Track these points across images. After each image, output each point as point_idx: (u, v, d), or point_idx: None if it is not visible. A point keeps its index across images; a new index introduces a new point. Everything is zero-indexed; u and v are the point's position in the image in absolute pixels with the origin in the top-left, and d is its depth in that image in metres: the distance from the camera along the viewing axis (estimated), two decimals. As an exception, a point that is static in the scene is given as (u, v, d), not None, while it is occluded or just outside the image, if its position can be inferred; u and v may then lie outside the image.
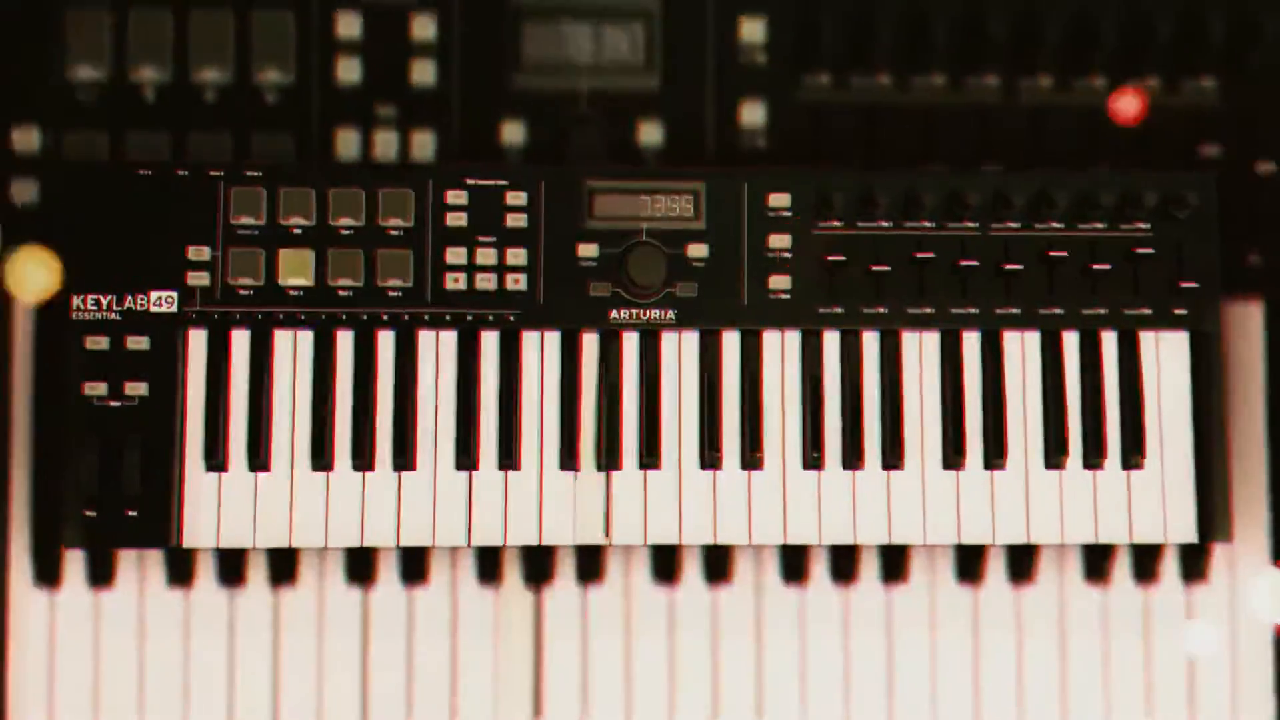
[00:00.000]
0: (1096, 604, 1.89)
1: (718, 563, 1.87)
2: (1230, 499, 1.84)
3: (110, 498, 1.78)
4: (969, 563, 1.88)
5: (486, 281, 1.83)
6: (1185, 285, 1.86)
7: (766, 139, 1.93)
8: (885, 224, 1.86)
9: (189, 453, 1.81)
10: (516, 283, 1.83)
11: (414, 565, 1.86)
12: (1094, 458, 1.84)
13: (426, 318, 1.83)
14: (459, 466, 1.82)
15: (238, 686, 1.85)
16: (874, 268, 1.85)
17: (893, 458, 1.83)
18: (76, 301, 1.80)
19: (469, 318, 1.83)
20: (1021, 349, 1.86)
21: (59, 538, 1.80)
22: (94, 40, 1.89)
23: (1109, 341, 1.86)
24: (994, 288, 1.86)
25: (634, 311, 1.84)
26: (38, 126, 1.89)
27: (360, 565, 1.86)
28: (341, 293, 1.82)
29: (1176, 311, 1.86)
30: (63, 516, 1.78)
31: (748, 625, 1.88)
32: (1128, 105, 1.91)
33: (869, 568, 1.89)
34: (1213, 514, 1.84)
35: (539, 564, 1.86)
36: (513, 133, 1.92)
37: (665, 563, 1.88)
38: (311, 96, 1.91)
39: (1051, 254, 1.86)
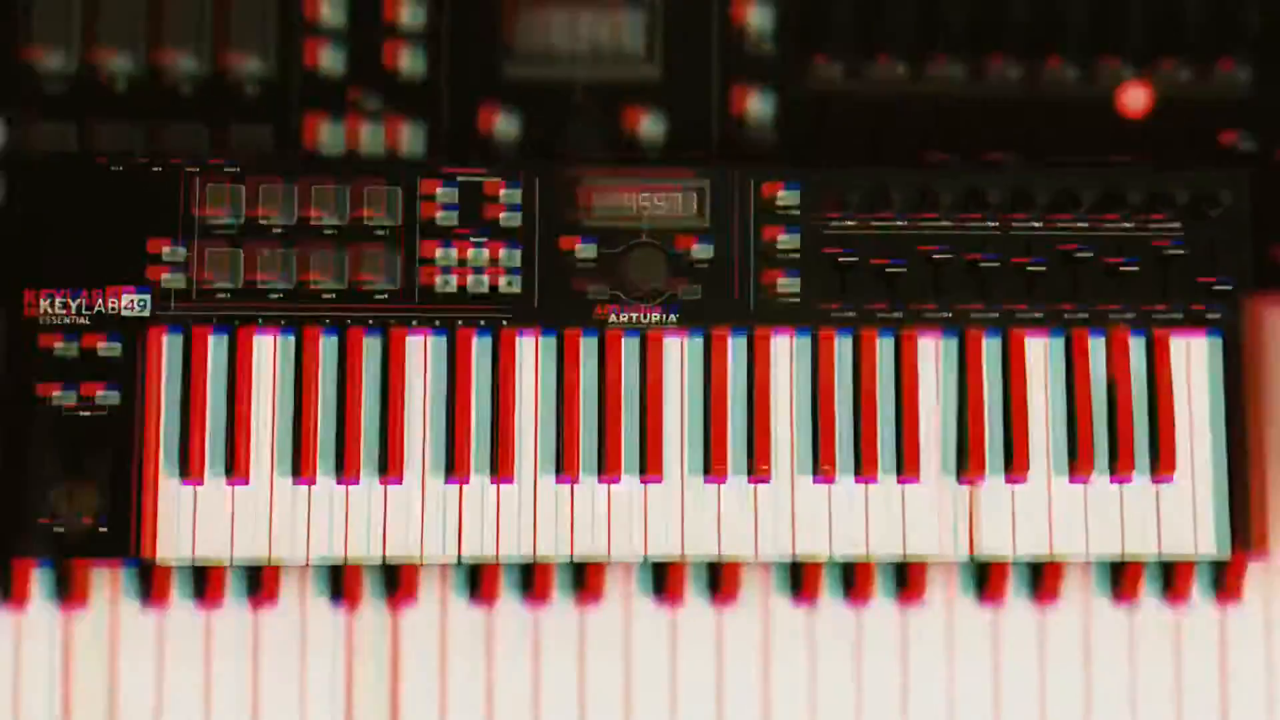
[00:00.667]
0: (1122, 624, 1.86)
1: (720, 579, 1.84)
2: (1267, 513, 1.84)
3: (78, 511, 1.76)
4: (987, 581, 1.85)
5: (476, 282, 1.82)
6: (1216, 286, 1.85)
7: (773, 131, 1.91)
8: (898, 221, 1.85)
9: (162, 464, 1.79)
10: (508, 284, 1.82)
11: (398, 581, 1.83)
12: (1118, 468, 1.82)
13: (412, 320, 1.81)
14: (447, 479, 1.80)
15: (214, 708, 1.82)
16: (886, 267, 1.84)
17: (904, 467, 1.81)
18: (43, 304, 1.79)
19: (457, 320, 1.82)
20: (1046, 354, 1.85)
21: (23, 552, 1.77)
22: (61, 25, 1.88)
23: (1135, 345, 1.85)
24: (1013, 288, 1.84)
25: (632, 314, 1.83)
26: (1, 117, 1.87)
27: (341, 581, 1.83)
28: (323, 294, 1.81)
29: (1207, 314, 1.85)
30: (27, 531, 1.76)
31: (753, 644, 1.85)
32: (1135, 98, 1.91)
33: (881, 584, 1.86)
34: (1246, 527, 1.82)
35: (531, 581, 1.83)
36: (505, 125, 1.90)
37: (665, 579, 1.85)
38: (291, 86, 1.90)
39: (1074, 253, 1.84)
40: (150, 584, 1.81)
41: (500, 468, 1.79)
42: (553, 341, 1.82)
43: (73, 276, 1.78)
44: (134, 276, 1.79)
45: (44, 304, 1.78)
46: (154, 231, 1.79)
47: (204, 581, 1.81)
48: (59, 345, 1.77)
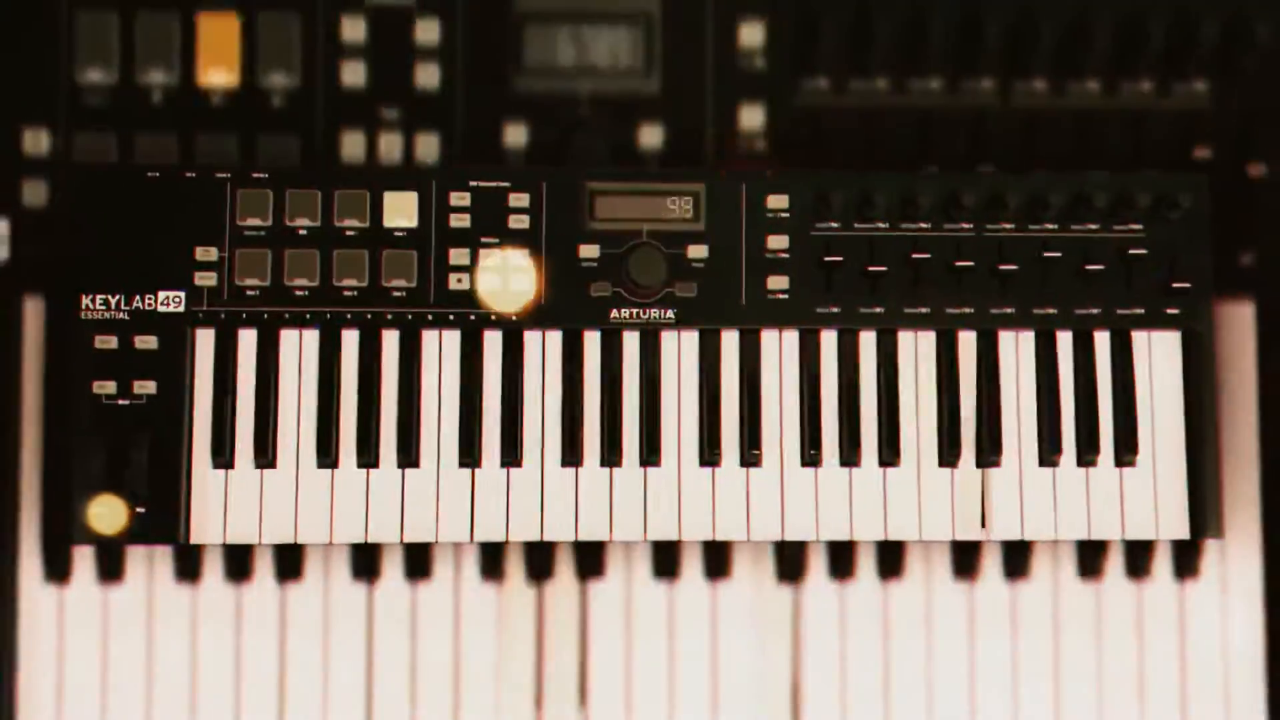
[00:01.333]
0: (1090, 599, 1.90)
1: (717, 559, 1.89)
2: (1221, 496, 1.85)
3: (119, 495, 1.78)
4: (965, 559, 1.90)
5: (490, 282, 1.84)
6: (1178, 285, 1.86)
7: (765, 142, 1.93)
8: (882, 225, 1.86)
9: (196, 450, 1.81)
10: (519, 283, 1.84)
11: (418, 561, 1.88)
12: (1088, 455, 1.84)
13: (430, 317, 1.83)
14: (462, 464, 1.82)
15: (244, 680, 1.86)
16: (871, 268, 1.85)
17: (889, 455, 1.83)
18: (86, 301, 1.81)
19: (472, 317, 1.84)
20: (1016, 348, 1.87)
21: (68, 534, 1.79)
22: (103, 43, 1.90)
23: (1102, 341, 1.87)
24: (989, 288, 1.86)
25: (635, 311, 1.85)
26: (47, 129, 1.89)
27: (365, 561, 1.88)
28: (346, 293, 1.83)
29: (1169, 311, 1.86)
30: (72, 514, 1.78)
31: (747, 619, 1.89)
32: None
33: (866, 564, 1.90)
34: (1205, 511, 1.84)
35: (541, 560, 1.88)
36: (515, 135, 1.93)
37: (666, 559, 1.89)
38: (317, 99, 1.92)
39: (1046, 254, 1.86)
40: (187, 563, 1.85)
41: (512, 455, 1.82)
42: (559, 337, 1.84)
43: (117, 278, 1.80)
44: (175, 278, 1.81)
45: (86, 301, 1.80)
46: (196, 236, 1.81)
47: (236, 560, 1.86)
48: (102, 341, 1.80)
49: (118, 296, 1.81)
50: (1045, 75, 1.94)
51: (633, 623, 1.89)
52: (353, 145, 1.92)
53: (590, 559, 1.88)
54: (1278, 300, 1.93)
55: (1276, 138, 1.95)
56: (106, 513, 1.78)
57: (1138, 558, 1.90)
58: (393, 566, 1.88)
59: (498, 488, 1.82)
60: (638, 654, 1.88)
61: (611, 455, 1.82)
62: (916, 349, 1.86)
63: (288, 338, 1.84)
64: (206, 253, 1.82)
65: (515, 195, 1.85)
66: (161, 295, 1.82)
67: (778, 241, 1.86)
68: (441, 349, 1.85)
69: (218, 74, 1.91)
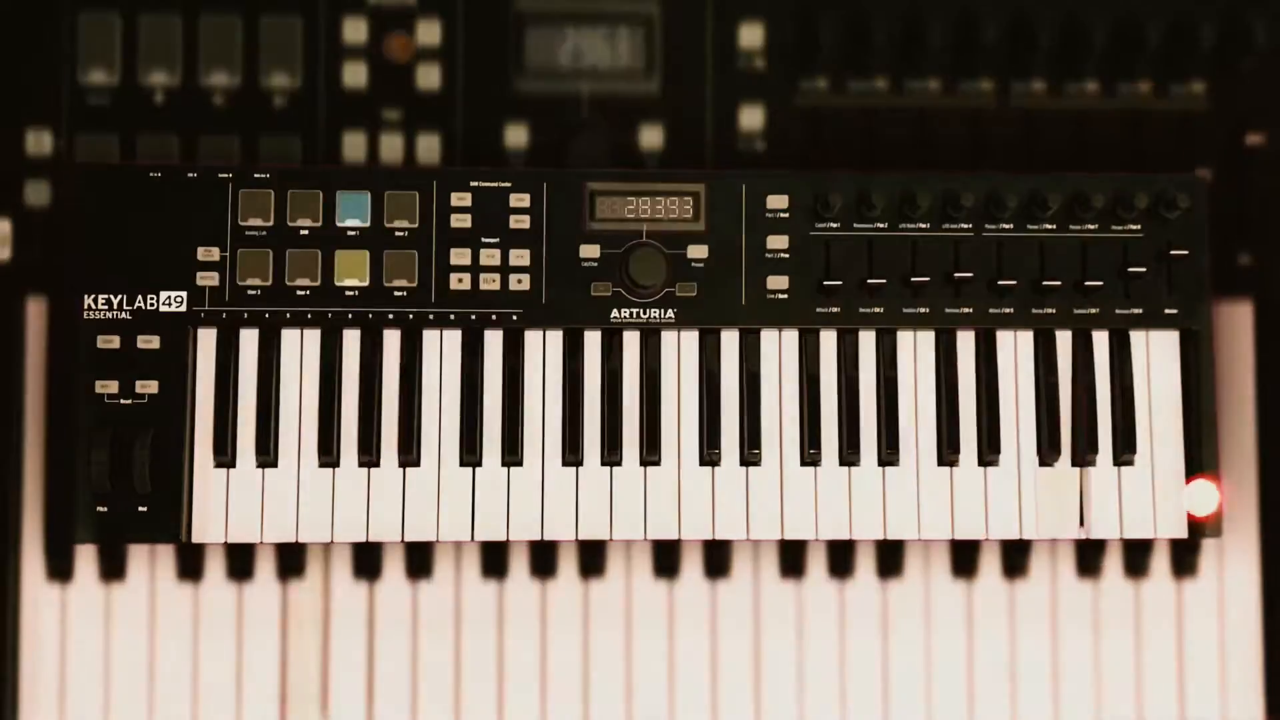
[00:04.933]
0: (1088, 598, 1.90)
1: (717, 558, 1.89)
2: (1220, 495, 1.85)
3: (121, 494, 1.78)
4: (963, 558, 1.90)
5: (490, 282, 1.83)
6: (1176, 285, 1.86)
7: (765, 142, 1.93)
8: (882, 225, 1.86)
9: (198, 450, 1.81)
10: (520, 283, 1.84)
11: (419, 559, 1.88)
12: (1086, 455, 1.84)
13: (431, 317, 1.83)
14: (463, 463, 1.82)
15: (244, 678, 1.87)
16: (870, 268, 1.85)
17: (889, 454, 1.83)
18: (88, 301, 1.80)
19: (473, 317, 1.83)
20: (1015, 348, 1.86)
21: (71, 533, 1.79)
22: (105, 45, 1.90)
23: (1100, 341, 1.86)
24: (988, 287, 1.86)
25: (635, 311, 1.84)
26: (50, 130, 1.89)
27: (366, 559, 1.88)
28: (348, 293, 1.82)
29: (1168, 311, 1.86)
30: (75, 513, 1.78)
31: (746, 619, 1.89)
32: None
33: (865, 563, 1.90)
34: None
35: (543, 558, 1.88)
36: (516, 136, 1.93)
37: (665, 558, 1.89)
38: (319, 100, 1.91)
39: (1044, 254, 1.86)
40: (188, 561, 1.86)
41: (513, 454, 1.81)
42: (559, 336, 1.84)
43: (119, 278, 1.80)
44: (178, 278, 1.80)
45: (89, 302, 1.79)
46: (198, 237, 1.81)
47: (237, 558, 1.86)
48: (105, 341, 1.79)
49: (120, 297, 1.81)
50: (1044, 76, 1.94)
51: (633, 620, 1.89)
52: (354, 146, 1.91)
53: (591, 558, 1.89)
54: (1276, 300, 1.93)
55: (1274, 138, 1.94)
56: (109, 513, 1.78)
57: (1136, 557, 1.90)
58: (394, 565, 1.88)
59: (498, 487, 1.81)
60: (637, 651, 1.89)
61: (612, 454, 1.82)
62: (916, 349, 1.86)
63: (289, 337, 1.83)
64: (208, 253, 1.82)
65: (516, 196, 1.84)
66: (164, 295, 1.81)
67: (778, 241, 1.85)
68: (443, 349, 1.84)
69: (220, 75, 1.91)
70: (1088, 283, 1.86)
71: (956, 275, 1.85)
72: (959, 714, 1.89)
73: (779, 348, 1.86)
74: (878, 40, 1.92)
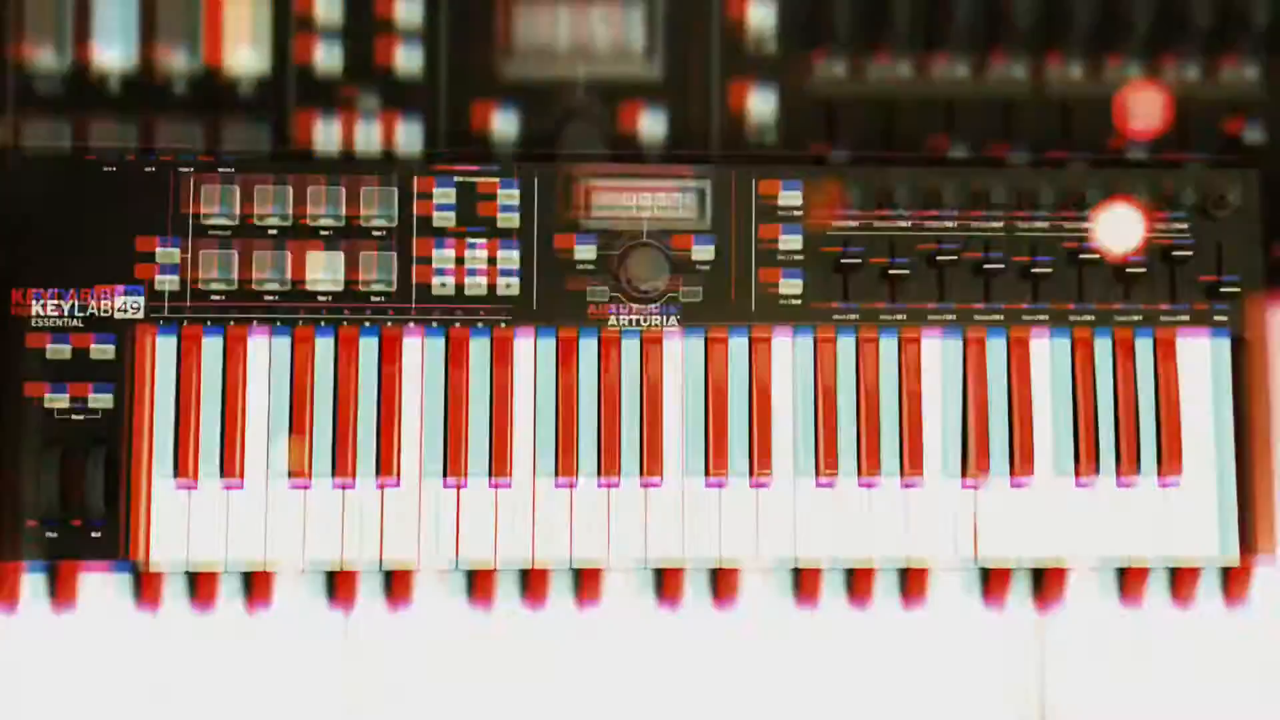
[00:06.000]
0: (1131, 628, 1.86)
1: (722, 584, 1.85)
2: (1274, 514, 1.84)
3: (72, 516, 1.76)
4: (990, 584, 1.85)
5: (475, 283, 1.82)
6: (1225, 287, 1.85)
7: (776, 130, 1.91)
8: (901, 221, 1.85)
9: (156, 467, 1.79)
10: (508, 285, 1.82)
11: (396, 586, 1.83)
12: (1123, 470, 1.83)
13: (410, 321, 1.82)
14: (446, 483, 1.80)
15: (209, 712, 1.83)
16: (889, 267, 1.84)
17: (910, 471, 1.81)
18: (35, 306, 1.80)
19: (456, 322, 1.82)
20: (1049, 355, 1.85)
21: (17, 556, 1.77)
22: (54, 23, 1.87)
23: (1141, 346, 1.85)
24: (1018, 288, 1.85)
25: (631, 314, 1.83)
26: None
27: (338, 586, 1.83)
28: (319, 295, 1.81)
29: (1216, 315, 1.85)
30: (19, 536, 1.76)
31: (754, 648, 1.85)
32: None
33: (884, 589, 1.86)
34: (1255, 530, 1.82)
35: (532, 586, 1.83)
36: (503, 123, 1.90)
37: (666, 584, 1.85)
38: (287, 84, 1.89)
39: (1080, 252, 1.84)
40: (142, 587, 1.81)
41: (498, 470, 1.79)
42: (551, 343, 1.82)
43: (62, 275, 1.78)
44: (125, 276, 1.79)
45: (35, 305, 1.78)
46: (145, 230, 1.80)
47: (199, 586, 1.81)
48: (51, 347, 1.78)
49: (71, 301, 1.81)
50: (1080, 56, 1.92)
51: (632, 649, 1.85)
52: (326, 135, 1.88)
53: (586, 584, 1.84)
54: (1332, 302, 1.94)
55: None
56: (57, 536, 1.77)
57: (1181, 583, 1.86)
58: (371, 592, 1.84)
59: (484, 510, 1.80)
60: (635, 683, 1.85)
61: (608, 474, 1.80)
62: (941, 354, 1.85)
63: (255, 344, 1.81)
64: (167, 253, 1.80)
65: (504, 189, 1.83)
66: (119, 300, 1.80)
67: (790, 240, 1.84)
68: (424, 355, 1.82)
69: (179, 56, 1.89)
70: (1128, 284, 1.84)
71: (985, 275, 1.84)
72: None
73: (791, 354, 1.84)
74: (899, 19, 1.90)
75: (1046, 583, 1.85)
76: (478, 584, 1.83)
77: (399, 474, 1.79)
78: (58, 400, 1.77)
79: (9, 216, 1.82)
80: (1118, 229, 1.83)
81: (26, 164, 1.81)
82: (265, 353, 1.81)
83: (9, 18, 1.86)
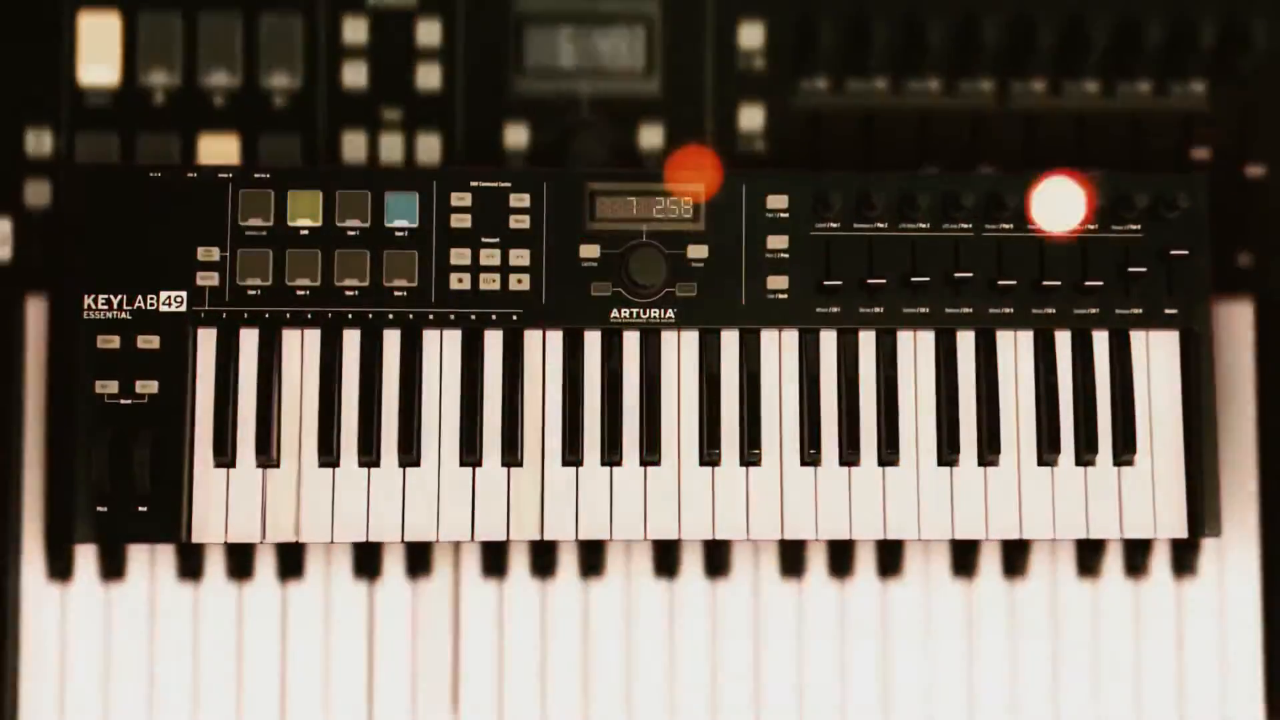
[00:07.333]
0: (1088, 597, 1.90)
1: (717, 558, 1.89)
2: (1219, 495, 1.85)
3: (121, 494, 1.79)
4: (963, 557, 1.90)
5: (490, 282, 1.84)
6: (1176, 285, 1.87)
7: (765, 142, 1.93)
8: (881, 225, 1.87)
9: (198, 449, 1.81)
10: (520, 283, 1.84)
11: (419, 559, 1.88)
12: (1086, 454, 1.84)
13: (431, 317, 1.84)
14: (463, 463, 1.82)
15: (245, 678, 1.87)
16: (870, 268, 1.85)
17: (889, 454, 1.83)
18: (88, 301, 1.81)
19: (473, 317, 1.84)
20: (1015, 348, 1.86)
21: (71, 533, 1.79)
22: (105, 44, 1.91)
23: (1101, 341, 1.87)
24: (988, 288, 1.86)
25: (635, 311, 1.85)
26: (50, 129, 1.90)
27: (366, 559, 1.88)
28: (348, 293, 1.83)
29: (1167, 311, 1.86)
30: (75, 513, 1.79)
31: (745, 619, 1.89)
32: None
33: (865, 562, 1.90)
34: (1203, 509, 1.84)
35: (543, 558, 1.88)
36: (516, 136, 1.93)
37: (665, 558, 1.89)
38: (318, 100, 1.92)
39: (1044, 254, 1.87)
40: (188, 561, 1.86)
41: (512, 453, 1.82)
42: (561, 337, 1.85)
43: (119, 278, 1.81)
44: (177, 278, 1.81)
45: (89, 302, 1.80)
46: (198, 237, 1.82)
47: (238, 558, 1.85)
48: (105, 341, 1.80)
49: (120, 297, 1.81)
50: (1043, 76, 1.94)
51: (633, 620, 1.89)
52: (354, 146, 1.92)
53: (592, 558, 1.88)
54: (1276, 300, 1.94)
55: (1274, 138, 1.95)
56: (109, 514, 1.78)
57: (1136, 556, 1.90)
58: (394, 565, 1.88)
59: (498, 487, 1.82)
60: (637, 651, 1.89)
61: (612, 455, 1.82)
62: (916, 349, 1.87)
63: (289, 337, 1.84)
64: (208, 253, 1.83)
65: (516, 196, 1.85)
66: (164, 295, 1.82)
67: (778, 241, 1.86)
68: (443, 349, 1.84)
69: (220, 75, 1.92)
70: (1088, 283, 1.86)
71: (956, 275, 1.86)
72: (958, 713, 1.89)
73: (779, 348, 1.86)
74: (878, 40, 1.93)
75: (1014, 556, 1.88)
76: (488, 556, 1.86)
77: (421, 456, 1.82)
78: (109, 388, 1.79)
79: (67, 223, 1.85)
80: (1058, 202, 1.82)
81: (83, 175, 1.83)
82: (298, 345, 1.83)
83: (67, 41, 1.89)
